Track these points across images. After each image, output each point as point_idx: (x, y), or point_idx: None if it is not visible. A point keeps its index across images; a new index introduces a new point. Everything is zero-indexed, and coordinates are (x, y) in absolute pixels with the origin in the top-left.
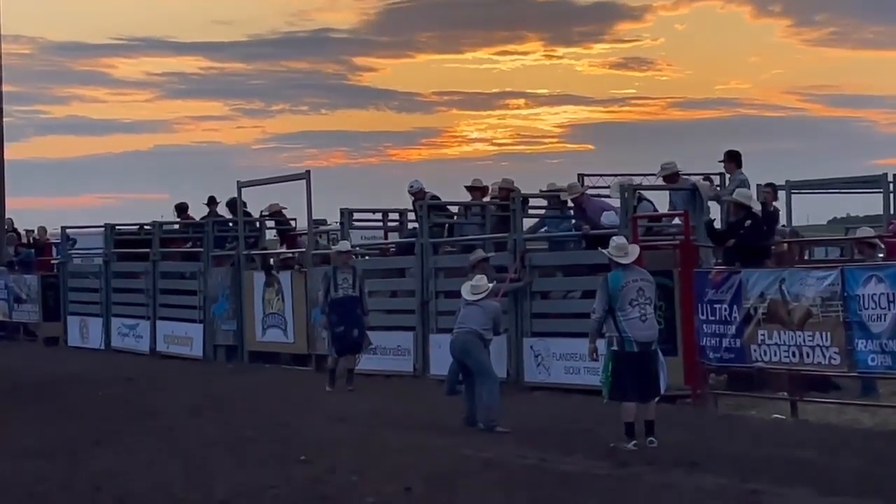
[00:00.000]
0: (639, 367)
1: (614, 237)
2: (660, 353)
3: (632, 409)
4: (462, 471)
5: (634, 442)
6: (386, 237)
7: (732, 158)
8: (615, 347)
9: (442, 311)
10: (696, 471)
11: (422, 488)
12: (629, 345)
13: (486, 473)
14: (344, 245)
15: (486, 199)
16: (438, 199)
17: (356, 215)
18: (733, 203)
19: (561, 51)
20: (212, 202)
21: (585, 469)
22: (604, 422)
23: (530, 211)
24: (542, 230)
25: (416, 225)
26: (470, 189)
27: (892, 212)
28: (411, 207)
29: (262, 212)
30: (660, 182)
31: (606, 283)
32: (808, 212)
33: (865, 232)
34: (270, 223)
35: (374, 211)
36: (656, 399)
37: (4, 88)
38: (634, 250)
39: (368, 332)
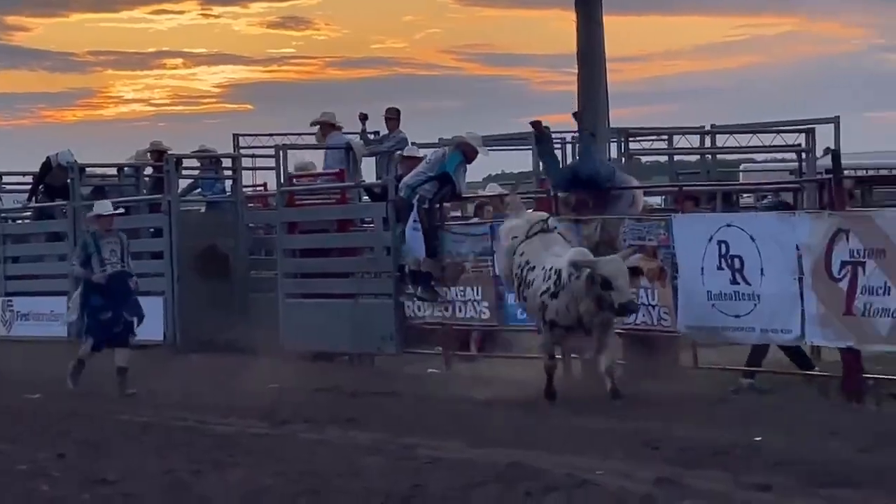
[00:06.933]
0: None
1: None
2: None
3: None
4: (120, 435)
5: None
6: None
7: (394, 116)
8: None
9: None
10: (352, 427)
11: (75, 453)
12: None
13: (145, 437)
14: (105, 206)
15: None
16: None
17: (6, 178)
18: (402, 158)
19: (217, 10)
20: None
21: (243, 429)
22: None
23: (185, 172)
24: (196, 192)
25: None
26: (151, 153)
27: (540, 168)
28: None
29: None
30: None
31: None
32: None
33: (493, 189)
34: None
35: (24, 174)
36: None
37: None
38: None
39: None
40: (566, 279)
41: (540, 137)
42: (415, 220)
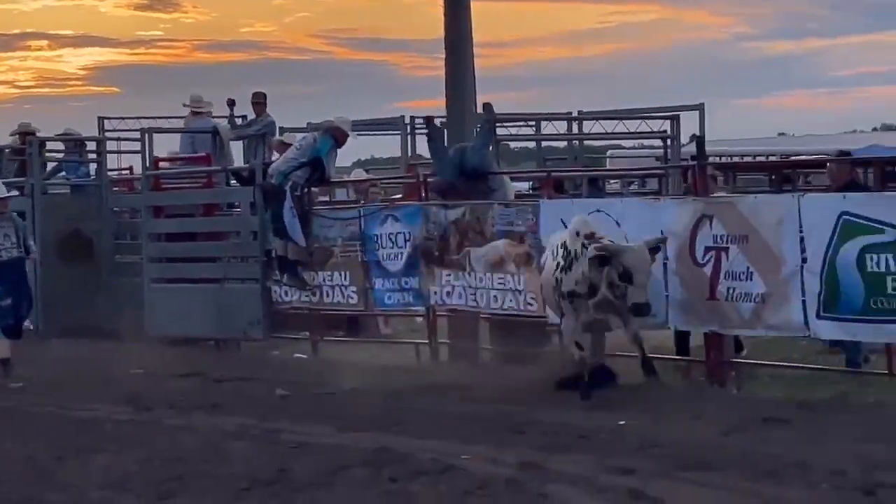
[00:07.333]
0: None
1: None
2: None
3: None
4: None
5: None
6: None
7: (261, 100)
8: None
9: None
10: (218, 412)
11: None
12: None
13: (5, 423)
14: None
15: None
16: None
17: None
18: (279, 144)
19: None
20: None
21: (107, 415)
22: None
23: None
24: (60, 175)
25: None
26: (18, 135)
27: (409, 153)
28: None
29: None
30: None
31: None
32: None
33: (359, 174)
34: None
35: None
36: None
37: None
38: None
39: None
40: (579, 250)
41: (431, 131)
42: (291, 207)
